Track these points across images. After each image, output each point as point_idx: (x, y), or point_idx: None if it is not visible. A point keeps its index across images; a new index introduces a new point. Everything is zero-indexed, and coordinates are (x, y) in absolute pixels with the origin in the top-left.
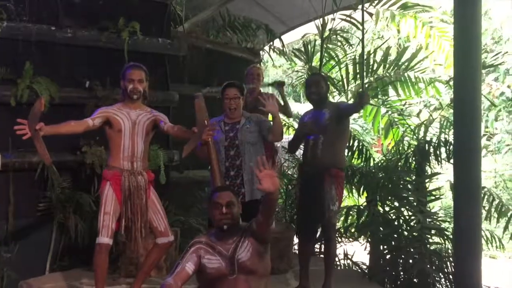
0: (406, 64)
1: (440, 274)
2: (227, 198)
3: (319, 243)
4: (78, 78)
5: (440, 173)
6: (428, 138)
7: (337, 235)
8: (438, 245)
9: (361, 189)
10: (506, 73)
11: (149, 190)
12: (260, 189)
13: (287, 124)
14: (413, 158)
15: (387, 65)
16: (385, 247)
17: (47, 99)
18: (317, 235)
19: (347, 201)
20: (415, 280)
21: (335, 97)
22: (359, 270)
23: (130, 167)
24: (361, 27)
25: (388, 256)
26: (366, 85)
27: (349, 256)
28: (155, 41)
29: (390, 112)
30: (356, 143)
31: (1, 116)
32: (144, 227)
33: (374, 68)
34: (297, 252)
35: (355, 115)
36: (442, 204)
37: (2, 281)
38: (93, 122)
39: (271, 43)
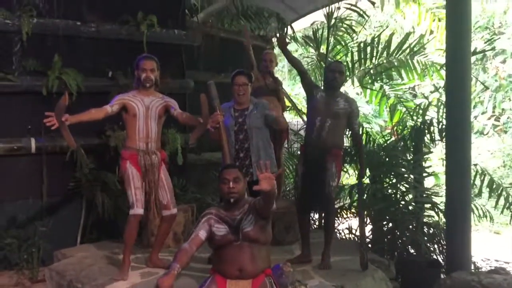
0: (411, 48)
1: (435, 245)
2: (234, 174)
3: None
4: (102, 68)
5: (432, 152)
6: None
7: (343, 211)
8: (431, 218)
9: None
10: None
11: (160, 167)
12: (258, 189)
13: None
14: (410, 138)
15: (390, 52)
16: (384, 220)
17: (74, 88)
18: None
19: (350, 179)
20: (411, 251)
21: None
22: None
23: (145, 148)
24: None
25: (385, 229)
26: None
27: (353, 231)
28: (171, 33)
29: (393, 95)
30: None
31: (34, 104)
32: (158, 199)
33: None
34: None
35: (363, 100)
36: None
37: (39, 251)
38: (111, 108)
39: (284, 30)
